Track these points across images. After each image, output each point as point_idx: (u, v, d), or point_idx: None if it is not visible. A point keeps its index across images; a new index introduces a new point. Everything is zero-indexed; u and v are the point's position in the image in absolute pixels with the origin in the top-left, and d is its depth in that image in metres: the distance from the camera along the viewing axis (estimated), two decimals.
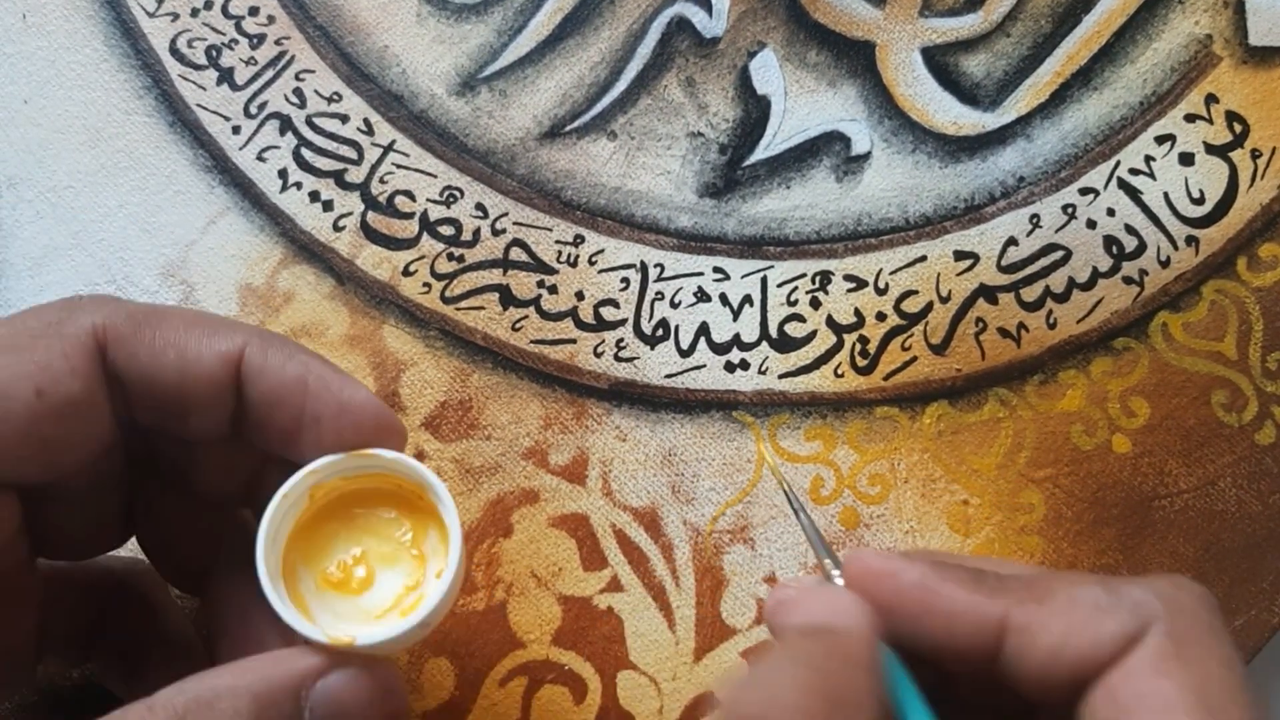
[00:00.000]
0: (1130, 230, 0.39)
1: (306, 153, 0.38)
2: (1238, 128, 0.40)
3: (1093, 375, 0.38)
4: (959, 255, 0.39)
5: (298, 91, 0.39)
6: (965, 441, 0.38)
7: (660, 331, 0.38)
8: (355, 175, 0.38)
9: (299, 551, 0.28)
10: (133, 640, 0.31)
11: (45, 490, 0.27)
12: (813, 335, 0.38)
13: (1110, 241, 0.39)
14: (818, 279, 0.39)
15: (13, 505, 0.26)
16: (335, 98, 0.39)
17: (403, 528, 0.29)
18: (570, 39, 0.40)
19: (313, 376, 0.27)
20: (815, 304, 0.38)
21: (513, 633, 0.35)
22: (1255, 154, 0.40)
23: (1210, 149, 0.40)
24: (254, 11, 0.39)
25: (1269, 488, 0.37)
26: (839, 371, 0.38)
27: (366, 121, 0.39)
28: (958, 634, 0.24)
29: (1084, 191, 0.39)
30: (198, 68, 0.39)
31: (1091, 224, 0.39)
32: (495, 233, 0.38)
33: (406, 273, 0.38)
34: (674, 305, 0.38)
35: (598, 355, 0.38)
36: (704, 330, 0.38)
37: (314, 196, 0.38)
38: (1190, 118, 0.40)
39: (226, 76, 0.39)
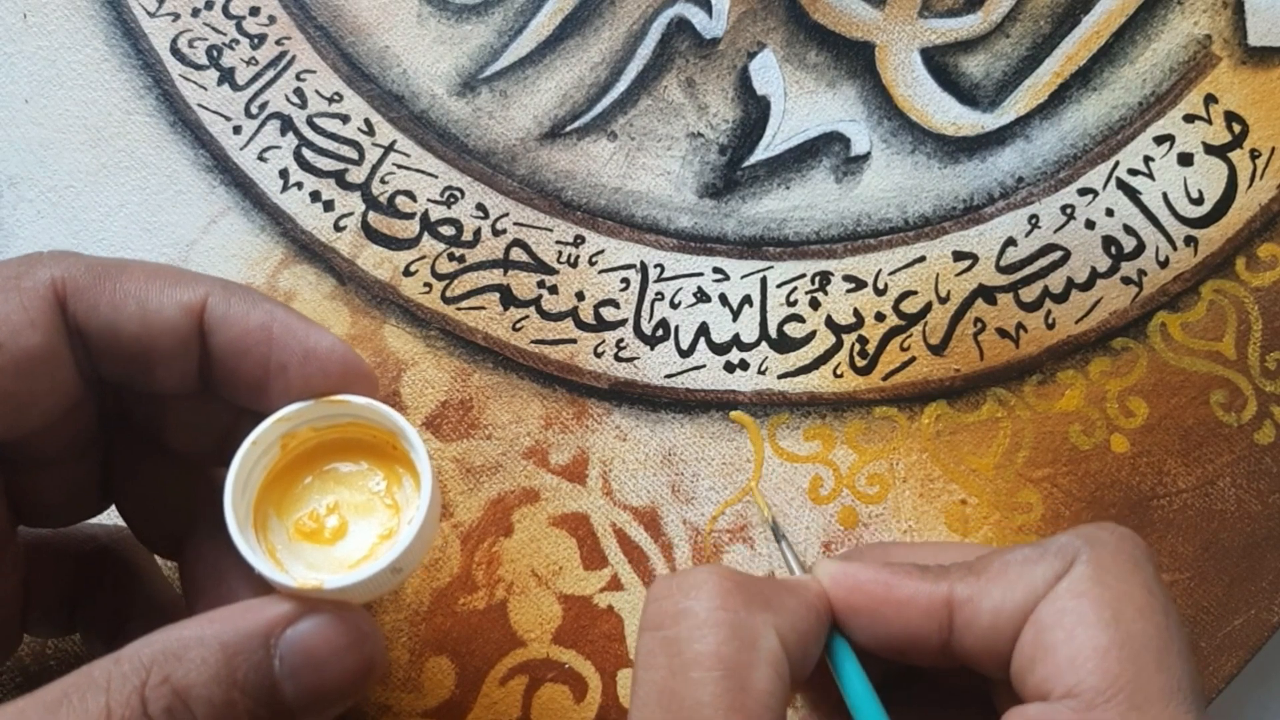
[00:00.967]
0: (1129, 230, 0.39)
1: (307, 153, 0.39)
2: (1237, 128, 0.40)
3: (1091, 375, 0.38)
4: (958, 256, 0.39)
5: (299, 92, 0.39)
6: (964, 441, 0.38)
7: (660, 332, 0.38)
8: (356, 175, 0.38)
9: (271, 503, 0.28)
10: (117, 607, 0.31)
11: (19, 452, 0.27)
12: (812, 335, 0.38)
13: (1109, 242, 0.39)
14: (817, 279, 0.39)
15: None
16: (336, 98, 0.39)
17: (376, 477, 0.29)
18: (570, 40, 0.40)
19: (277, 324, 0.27)
20: (815, 304, 0.39)
21: (513, 632, 0.36)
22: (1254, 154, 0.40)
23: (1209, 149, 0.40)
24: (255, 12, 0.39)
25: (1268, 487, 0.38)
26: (838, 372, 0.38)
27: (367, 122, 0.39)
28: (911, 622, 0.26)
29: (1083, 192, 0.39)
30: (199, 68, 0.39)
31: (1090, 224, 0.39)
32: (496, 233, 0.38)
33: (407, 273, 0.38)
34: (674, 305, 0.38)
35: (598, 355, 0.38)
36: (704, 330, 0.38)
37: (315, 196, 0.38)
38: (1189, 118, 0.40)
39: (227, 76, 0.39)
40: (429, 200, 0.38)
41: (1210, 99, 0.40)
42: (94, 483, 0.30)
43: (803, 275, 0.39)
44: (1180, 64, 0.40)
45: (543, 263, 0.38)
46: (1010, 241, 0.39)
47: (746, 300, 0.38)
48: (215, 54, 0.39)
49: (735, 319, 0.38)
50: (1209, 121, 0.40)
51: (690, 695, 0.24)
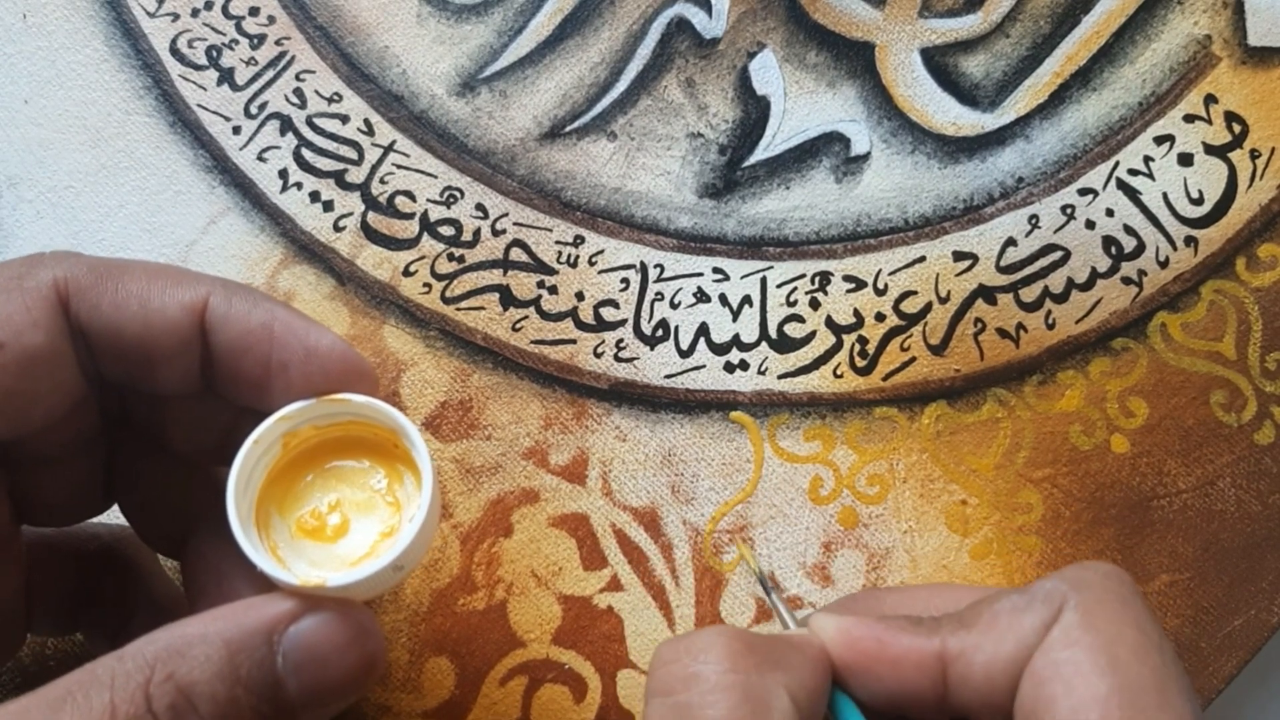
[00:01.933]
0: (1129, 231, 0.39)
1: (307, 153, 0.38)
2: (1237, 128, 0.40)
3: (1091, 375, 0.38)
4: (958, 256, 0.39)
5: (298, 92, 0.39)
6: (964, 441, 0.38)
7: (660, 332, 0.38)
8: (355, 175, 0.38)
9: (273, 500, 0.28)
10: (120, 606, 0.31)
11: (21, 451, 0.27)
12: (812, 336, 0.38)
13: (1109, 242, 0.39)
14: (817, 279, 0.39)
15: None
16: (335, 98, 0.39)
17: (377, 475, 0.29)
18: (570, 40, 0.40)
19: (278, 322, 0.27)
20: (814, 304, 0.39)
21: (513, 632, 0.36)
22: (1254, 154, 0.40)
23: (1209, 149, 0.40)
24: (254, 12, 0.39)
25: (1268, 487, 0.38)
26: (838, 372, 0.38)
27: (367, 122, 0.39)
28: (907, 678, 0.26)
29: (1083, 192, 0.39)
30: (198, 68, 0.39)
31: (1090, 224, 0.39)
32: (495, 233, 0.38)
33: (407, 273, 0.38)
34: (674, 306, 0.38)
35: (598, 355, 0.38)
36: (703, 331, 0.38)
37: (314, 197, 0.38)
38: (1189, 118, 0.40)
39: (227, 77, 0.39)
40: (428, 200, 0.38)
41: (1210, 99, 0.40)
42: (96, 482, 0.30)
43: (803, 275, 0.39)
44: (1180, 64, 0.40)
45: (542, 263, 0.38)
46: (1010, 242, 0.39)
47: (746, 300, 0.38)
48: (215, 54, 0.39)
49: (735, 319, 0.38)
50: (1209, 122, 0.40)
51: None
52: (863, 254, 0.39)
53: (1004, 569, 0.37)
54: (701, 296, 0.38)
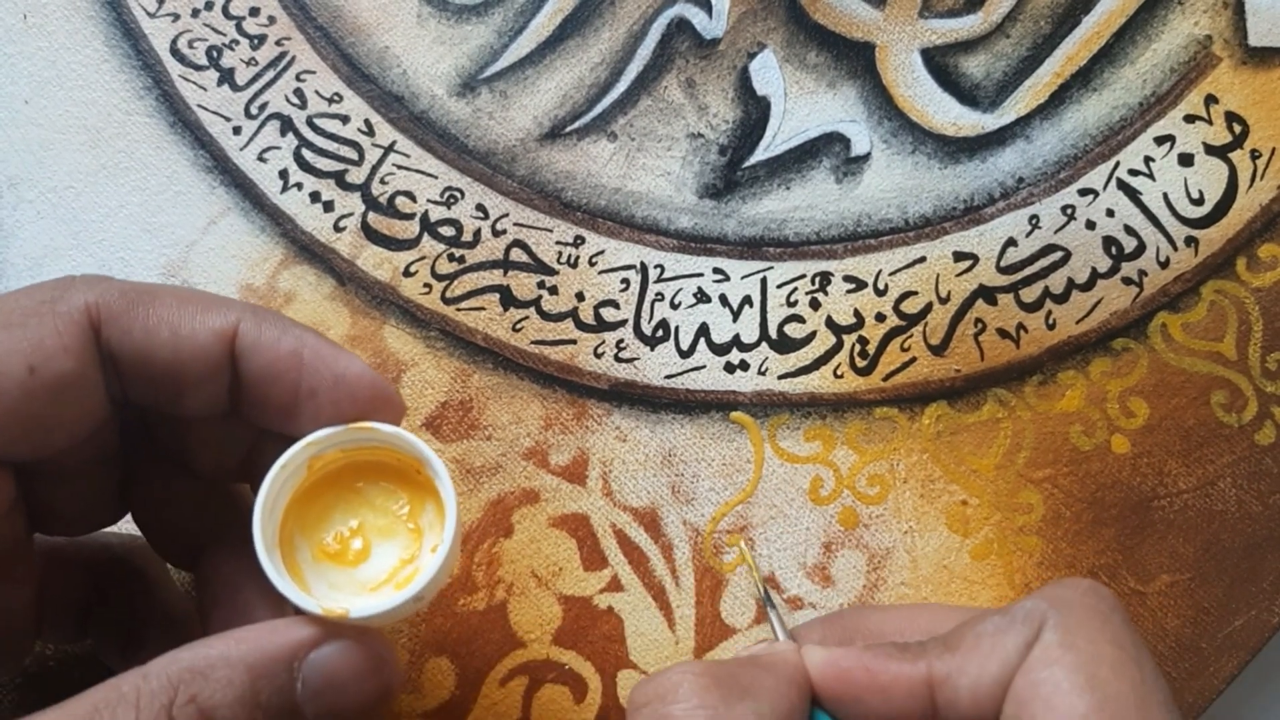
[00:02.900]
0: (1129, 231, 0.39)
1: (307, 153, 0.38)
2: (1237, 128, 0.40)
3: (1092, 376, 0.38)
4: (958, 256, 0.39)
5: (298, 92, 0.39)
6: (964, 442, 0.38)
7: (660, 332, 0.38)
8: (356, 176, 0.38)
9: (296, 522, 0.28)
10: (130, 615, 0.31)
11: (40, 466, 0.27)
12: (812, 336, 0.38)
13: (1109, 242, 0.39)
14: (817, 280, 0.39)
15: (7, 481, 0.26)
16: (336, 98, 0.39)
17: (400, 501, 0.29)
18: (570, 40, 0.40)
19: (308, 350, 0.27)
20: (815, 305, 0.39)
21: (513, 632, 0.36)
22: (1255, 154, 0.40)
23: (1210, 150, 0.40)
24: (255, 12, 0.39)
25: (1269, 488, 0.38)
26: (838, 372, 0.38)
27: (367, 122, 0.39)
28: (896, 705, 0.26)
29: (1083, 192, 0.39)
30: (198, 68, 0.39)
31: (1091, 225, 0.39)
32: (496, 233, 0.38)
33: (407, 273, 0.38)
34: (674, 306, 0.38)
35: (598, 356, 0.38)
36: (704, 331, 0.38)
37: (315, 197, 0.38)
38: (1190, 118, 0.40)
39: (227, 77, 0.39)
40: (429, 201, 0.38)
41: (1211, 99, 0.40)
42: (112, 494, 0.30)
43: (803, 276, 0.39)
44: (1181, 64, 0.40)
45: (543, 263, 0.38)
46: (1011, 242, 0.39)
47: (747, 301, 0.38)
48: (215, 54, 0.39)
49: (735, 319, 0.38)
50: (1209, 122, 0.40)
51: None
52: (863, 254, 0.39)
53: (1004, 569, 0.37)
54: (702, 297, 0.38)
